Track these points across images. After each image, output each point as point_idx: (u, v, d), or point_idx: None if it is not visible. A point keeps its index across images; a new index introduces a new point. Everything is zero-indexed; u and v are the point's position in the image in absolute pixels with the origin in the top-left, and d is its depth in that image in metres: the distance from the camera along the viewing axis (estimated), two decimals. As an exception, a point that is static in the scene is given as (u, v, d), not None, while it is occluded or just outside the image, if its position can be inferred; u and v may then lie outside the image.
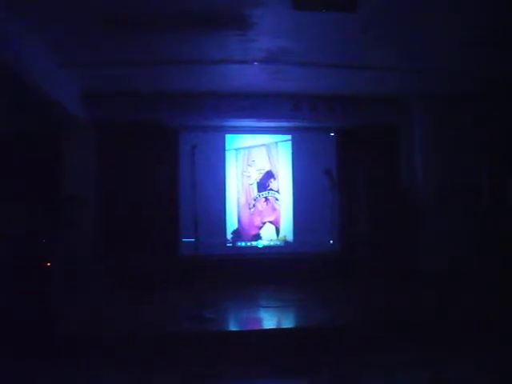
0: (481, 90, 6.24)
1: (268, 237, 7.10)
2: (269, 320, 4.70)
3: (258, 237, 7.08)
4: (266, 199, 7.14)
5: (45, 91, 4.84)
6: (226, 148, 7.12)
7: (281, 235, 7.13)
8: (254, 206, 7.11)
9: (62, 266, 4.97)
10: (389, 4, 3.95)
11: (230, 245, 7.01)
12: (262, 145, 7.20)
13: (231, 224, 7.04)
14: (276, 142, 7.25)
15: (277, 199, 7.16)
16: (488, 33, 4.51)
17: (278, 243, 7.10)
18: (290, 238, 7.15)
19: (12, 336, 3.82)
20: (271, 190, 7.16)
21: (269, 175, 7.18)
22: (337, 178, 6.80)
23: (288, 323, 4.64)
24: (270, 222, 7.13)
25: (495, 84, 6.00)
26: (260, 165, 7.17)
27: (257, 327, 4.46)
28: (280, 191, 7.17)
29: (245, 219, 7.08)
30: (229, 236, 7.03)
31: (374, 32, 4.51)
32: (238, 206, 7.08)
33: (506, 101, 6.23)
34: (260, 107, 6.69)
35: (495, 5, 3.95)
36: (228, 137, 7.15)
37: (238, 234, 7.04)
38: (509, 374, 3.59)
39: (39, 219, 5.07)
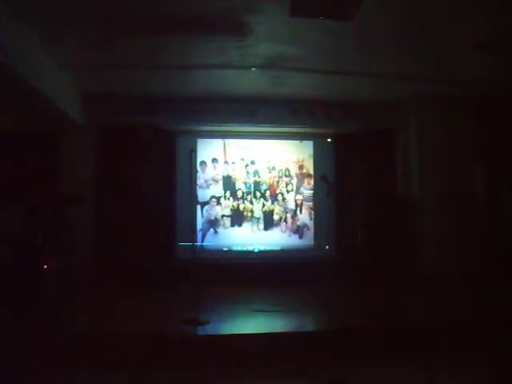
0: (477, 94, 6.27)
1: (264, 242, 7.11)
2: (264, 324, 4.71)
3: (254, 242, 7.09)
4: (263, 204, 7.16)
5: (44, 93, 4.87)
6: (225, 153, 7.15)
7: (277, 240, 7.14)
8: (251, 211, 7.12)
9: (61, 267, 4.98)
10: (386, 10, 3.99)
11: (227, 249, 7.03)
12: (260, 150, 7.23)
13: (228, 229, 7.07)
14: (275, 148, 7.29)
15: (273, 204, 7.18)
16: (487, 36, 4.54)
17: (274, 248, 7.12)
18: (286, 243, 7.16)
19: (10, 337, 3.83)
20: (269, 195, 7.19)
21: (265, 182, 7.21)
22: (334, 184, 6.81)
23: (284, 327, 4.64)
24: (267, 226, 7.15)
25: (493, 87, 6.03)
26: (257, 170, 7.19)
27: (252, 331, 4.46)
28: (277, 196, 7.20)
29: (241, 224, 7.10)
30: (225, 240, 7.04)
31: (372, 38, 4.56)
32: (235, 211, 7.10)
33: (502, 103, 6.26)
34: (258, 112, 6.73)
35: (494, 8, 3.99)
36: (227, 142, 7.18)
37: (233, 238, 7.06)
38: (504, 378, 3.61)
39: (38, 219, 5.08)
